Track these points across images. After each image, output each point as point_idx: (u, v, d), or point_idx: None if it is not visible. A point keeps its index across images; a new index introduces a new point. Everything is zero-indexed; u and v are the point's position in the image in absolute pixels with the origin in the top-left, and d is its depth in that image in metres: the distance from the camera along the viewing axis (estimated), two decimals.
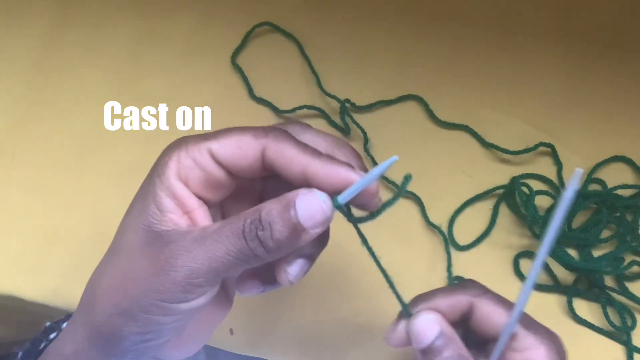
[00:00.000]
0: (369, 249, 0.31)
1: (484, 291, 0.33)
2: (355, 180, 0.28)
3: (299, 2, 0.59)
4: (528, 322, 0.32)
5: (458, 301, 0.32)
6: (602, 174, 0.51)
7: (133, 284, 0.28)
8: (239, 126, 0.30)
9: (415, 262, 0.49)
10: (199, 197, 0.30)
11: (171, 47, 0.58)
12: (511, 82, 0.56)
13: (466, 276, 0.48)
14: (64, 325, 0.38)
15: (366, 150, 0.52)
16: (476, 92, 0.55)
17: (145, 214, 0.28)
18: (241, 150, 0.29)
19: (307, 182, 0.28)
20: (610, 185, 0.50)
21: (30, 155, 0.53)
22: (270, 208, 0.27)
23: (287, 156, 0.28)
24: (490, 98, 0.55)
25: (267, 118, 0.54)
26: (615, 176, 0.51)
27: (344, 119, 0.53)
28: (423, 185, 0.51)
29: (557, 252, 0.46)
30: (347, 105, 0.53)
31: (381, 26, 0.58)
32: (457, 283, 0.34)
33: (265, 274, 0.32)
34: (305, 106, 0.54)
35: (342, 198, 0.28)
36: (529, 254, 0.49)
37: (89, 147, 0.53)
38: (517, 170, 0.51)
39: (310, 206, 0.27)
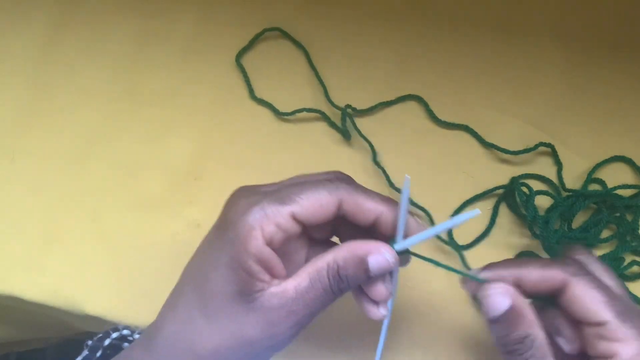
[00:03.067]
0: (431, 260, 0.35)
1: (582, 271, 0.32)
2: (416, 232, 0.33)
3: (298, 1, 0.59)
4: (627, 312, 0.30)
5: (552, 277, 0.32)
6: (602, 174, 0.51)
7: (249, 346, 0.32)
8: (302, 178, 0.34)
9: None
10: (275, 250, 0.32)
11: (171, 47, 0.58)
12: (511, 82, 0.56)
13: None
14: (106, 342, 0.40)
15: (376, 162, 0.51)
16: (476, 92, 0.55)
17: (237, 281, 0.31)
18: (321, 208, 0.32)
19: (376, 228, 0.34)
20: (610, 185, 0.50)
21: (30, 155, 0.53)
22: (346, 265, 0.32)
23: (364, 208, 0.33)
24: (490, 98, 0.55)
25: (268, 120, 0.54)
26: (615, 176, 0.51)
27: (344, 125, 0.52)
28: (423, 185, 0.51)
29: (556, 253, 0.46)
30: (349, 110, 0.53)
31: (381, 26, 0.58)
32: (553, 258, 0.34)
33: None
34: (305, 109, 0.54)
35: (399, 246, 0.33)
36: (529, 254, 0.49)
37: (89, 146, 0.53)
38: (517, 170, 0.51)
39: (379, 264, 0.32)
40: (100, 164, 0.52)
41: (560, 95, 0.55)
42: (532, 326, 0.31)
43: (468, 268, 0.34)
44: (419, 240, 0.33)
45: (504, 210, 0.50)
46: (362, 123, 0.53)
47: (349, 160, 0.52)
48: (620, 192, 0.50)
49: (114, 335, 0.41)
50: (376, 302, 0.35)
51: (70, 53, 0.57)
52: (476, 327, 0.46)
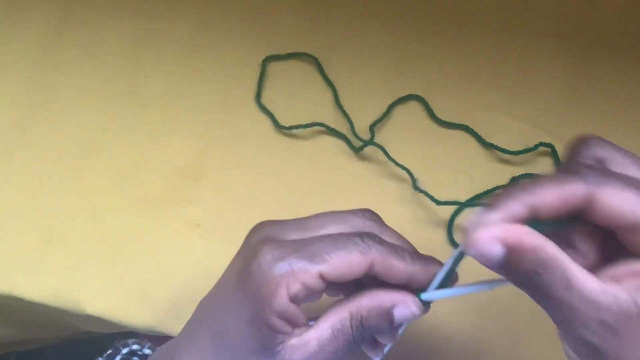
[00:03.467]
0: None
1: (606, 176, 0.26)
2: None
3: (296, 3, 0.59)
4: (601, 179, 0.26)
5: (573, 194, 0.25)
6: None
7: None
8: (334, 233, 0.32)
9: None
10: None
11: (171, 47, 0.58)
12: (511, 82, 0.56)
13: (465, 276, 0.48)
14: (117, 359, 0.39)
15: (416, 188, 0.50)
16: (476, 92, 0.55)
17: (259, 336, 0.31)
18: (351, 270, 0.31)
19: (405, 285, 0.32)
20: None
21: (30, 155, 0.53)
22: (370, 315, 0.31)
23: (396, 271, 0.31)
24: (490, 98, 0.55)
25: (270, 122, 0.54)
26: None
27: (361, 140, 0.52)
28: (423, 185, 0.51)
29: None
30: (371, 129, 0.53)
31: (381, 26, 0.58)
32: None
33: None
34: (313, 124, 0.53)
35: (426, 297, 0.32)
36: None
37: (89, 147, 0.53)
38: (517, 170, 0.51)
39: (405, 315, 0.32)
40: (101, 163, 0.52)
41: (560, 95, 0.55)
42: (540, 261, 0.25)
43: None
44: (449, 294, 0.32)
45: None
46: (363, 124, 0.53)
47: (354, 170, 0.52)
48: None
49: (124, 351, 0.40)
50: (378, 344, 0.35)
51: (70, 53, 0.57)
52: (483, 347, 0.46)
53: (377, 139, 0.52)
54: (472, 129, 0.53)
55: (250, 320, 0.31)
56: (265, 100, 0.55)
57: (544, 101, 0.55)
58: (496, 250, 0.25)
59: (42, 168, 0.52)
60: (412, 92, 0.55)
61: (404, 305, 0.32)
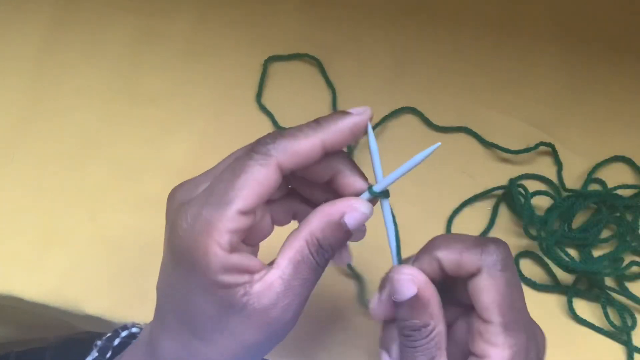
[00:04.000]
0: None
1: (499, 266, 0.30)
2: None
3: (297, 4, 0.59)
4: (516, 324, 0.30)
5: (468, 264, 0.30)
6: (602, 174, 0.51)
7: (256, 349, 0.31)
8: (234, 159, 0.30)
9: None
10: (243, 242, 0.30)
11: (171, 47, 0.58)
12: (511, 82, 0.56)
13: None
14: (116, 342, 0.39)
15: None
16: (476, 92, 0.55)
17: (218, 298, 0.29)
18: (265, 187, 0.29)
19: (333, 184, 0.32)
20: (610, 185, 0.50)
21: (30, 155, 0.53)
22: (325, 234, 0.31)
23: (307, 152, 0.30)
24: (490, 98, 0.55)
25: (269, 122, 0.54)
26: (615, 176, 0.51)
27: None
28: (423, 185, 0.51)
29: (554, 255, 0.46)
30: None
31: (382, 26, 0.58)
32: (481, 237, 0.31)
33: None
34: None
35: (379, 187, 0.32)
36: (528, 254, 0.49)
37: (89, 146, 0.53)
38: (517, 170, 0.51)
39: (357, 220, 0.31)
40: (100, 163, 0.52)
41: (560, 95, 0.55)
42: (433, 317, 0.30)
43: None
44: (396, 177, 0.32)
45: (503, 210, 0.50)
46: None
47: None
48: (620, 192, 0.50)
49: (124, 334, 0.39)
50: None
51: (69, 53, 0.57)
52: None
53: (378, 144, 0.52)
54: (471, 130, 0.53)
55: (202, 290, 0.29)
56: (265, 100, 0.55)
57: (544, 101, 0.55)
58: (410, 290, 0.30)
59: (42, 168, 0.52)
60: (413, 94, 0.55)
61: (352, 210, 0.31)
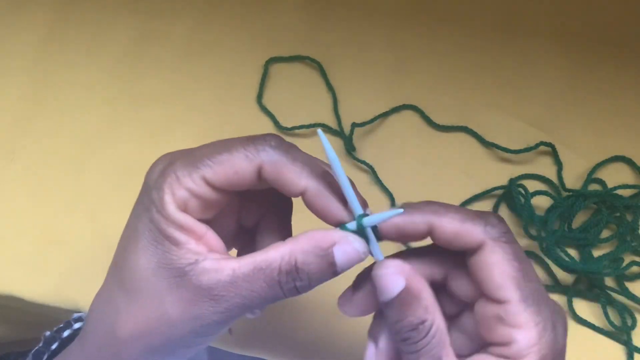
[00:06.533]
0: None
1: (505, 237, 0.27)
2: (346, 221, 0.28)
3: (298, 5, 0.59)
4: (534, 296, 0.26)
5: (469, 235, 0.27)
6: (602, 174, 0.51)
7: (169, 327, 0.28)
8: (224, 140, 0.30)
9: None
10: (200, 219, 0.29)
11: (171, 47, 0.58)
12: (511, 82, 0.56)
13: None
14: (65, 334, 0.37)
15: (379, 181, 0.51)
16: (476, 92, 0.55)
17: (160, 252, 0.28)
18: (237, 175, 0.28)
19: (305, 202, 0.29)
20: (610, 185, 0.50)
21: (30, 155, 0.53)
22: (306, 258, 0.27)
23: (285, 179, 0.28)
24: (491, 98, 0.55)
25: (270, 123, 0.54)
26: (615, 176, 0.51)
27: (351, 141, 0.52)
28: (423, 185, 0.51)
29: (554, 255, 0.46)
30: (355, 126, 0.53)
31: (383, 27, 0.58)
32: (480, 211, 0.28)
33: None
34: (309, 125, 0.53)
35: (369, 222, 0.28)
36: (528, 254, 0.49)
37: (89, 147, 0.53)
38: (517, 170, 0.51)
39: (349, 257, 0.28)
40: (100, 163, 0.52)
41: (560, 95, 0.55)
42: (429, 311, 0.27)
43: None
44: (384, 218, 0.28)
45: (503, 210, 0.50)
46: (362, 134, 0.53)
47: (349, 168, 0.52)
48: (620, 192, 0.50)
49: (76, 326, 0.37)
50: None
51: (70, 53, 0.57)
52: None
53: (376, 146, 0.52)
54: (471, 130, 0.53)
55: (148, 234, 0.28)
56: (266, 101, 0.55)
57: (544, 101, 0.55)
58: (399, 283, 0.27)
59: (42, 168, 0.52)
60: (413, 94, 0.55)
61: (345, 242, 0.28)
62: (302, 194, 0.28)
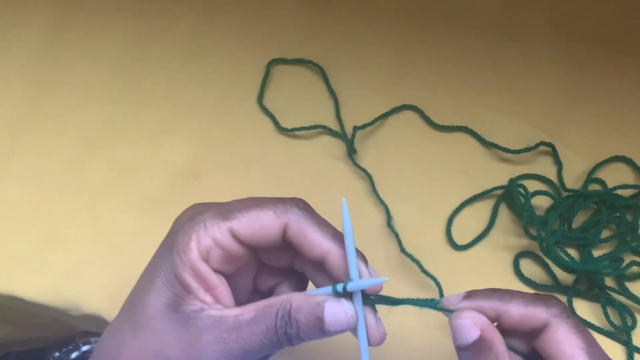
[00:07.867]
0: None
1: (565, 313, 0.30)
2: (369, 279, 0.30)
3: (299, 6, 0.59)
4: (561, 314, 0.30)
5: (534, 316, 0.30)
6: (602, 174, 0.51)
7: None
8: (256, 198, 0.31)
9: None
10: (218, 271, 0.30)
11: (172, 47, 0.58)
12: (511, 82, 0.56)
13: (464, 276, 0.48)
14: (73, 355, 0.38)
15: (375, 192, 0.50)
16: (477, 92, 0.55)
17: (170, 294, 0.29)
18: (262, 230, 0.30)
19: (323, 266, 0.31)
20: (610, 185, 0.50)
21: (30, 155, 0.53)
22: (299, 307, 0.29)
23: (309, 240, 0.30)
24: (491, 98, 0.55)
25: (270, 124, 0.54)
26: (615, 176, 0.51)
27: (352, 145, 0.52)
28: (423, 185, 0.51)
29: (554, 255, 0.46)
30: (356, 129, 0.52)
31: (384, 28, 0.58)
32: (537, 294, 0.31)
33: None
34: (312, 127, 0.53)
35: (351, 287, 0.30)
36: (528, 254, 0.49)
37: (89, 147, 0.53)
38: (517, 170, 0.51)
39: (337, 317, 0.30)
40: (100, 163, 0.52)
41: (560, 96, 0.55)
42: (499, 358, 0.29)
43: (442, 296, 0.32)
44: (363, 286, 0.30)
45: (503, 210, 0.50)
46: (363, 132, 0.53)
47: (349, 171, 0.52)
48: (620, 192, 0.50)
49: (84, 348, 0.39)
50: None
51: (70, 53, 0.57)
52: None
53: (376, 147, 0.52)
54: (471, 130, 0.53)
55: (165, 275, 0.29)
56: (266, 101, 0.55)
57: (544, 101, 0.55)
58: (474, 333, 0.29)
59: (42, 168, 0.52)
60: (414, 95, 0.55)
61: (336, 303, 0.29)
62: (324, 256, 0.30)
